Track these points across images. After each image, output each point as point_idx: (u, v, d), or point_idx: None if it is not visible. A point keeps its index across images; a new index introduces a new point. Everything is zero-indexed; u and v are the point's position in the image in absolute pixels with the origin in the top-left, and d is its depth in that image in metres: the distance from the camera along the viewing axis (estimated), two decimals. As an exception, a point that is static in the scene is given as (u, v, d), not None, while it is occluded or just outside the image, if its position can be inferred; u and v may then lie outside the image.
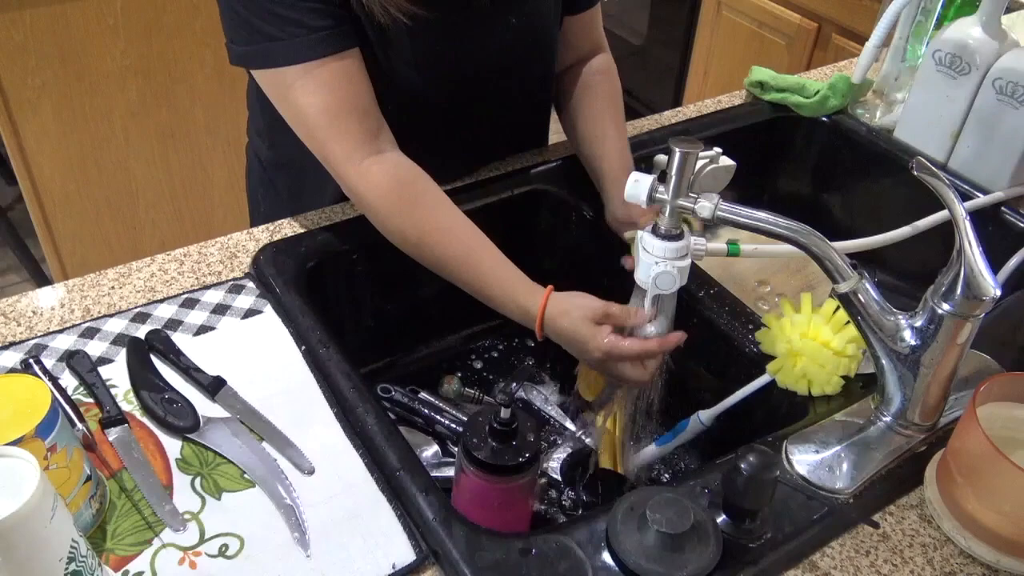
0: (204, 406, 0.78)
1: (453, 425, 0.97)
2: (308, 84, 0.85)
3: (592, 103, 1.06)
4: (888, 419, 0.77)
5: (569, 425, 1.03)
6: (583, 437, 1.01)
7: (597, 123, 1.04)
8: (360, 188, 0.88)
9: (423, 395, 1.01)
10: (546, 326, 0.84)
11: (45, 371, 0.80)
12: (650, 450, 0.94)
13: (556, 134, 1.14)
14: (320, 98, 0.85)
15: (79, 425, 0.74)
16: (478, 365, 1.11)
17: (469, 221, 0.89)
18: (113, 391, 0.79)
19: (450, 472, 0.92)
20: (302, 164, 0.97)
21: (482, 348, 1.12)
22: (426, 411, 0.98)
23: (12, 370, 0.80)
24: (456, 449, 0.84)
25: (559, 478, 0.96)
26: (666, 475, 0.99)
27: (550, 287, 0.86)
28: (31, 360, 0.80)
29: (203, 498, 0.71)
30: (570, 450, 0.99)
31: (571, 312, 0.83)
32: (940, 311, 0.69)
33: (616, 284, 0.94)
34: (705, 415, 0.88)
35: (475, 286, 0.87)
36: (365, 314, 1.05)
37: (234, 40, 0.87)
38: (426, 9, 0.87)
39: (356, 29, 0.87)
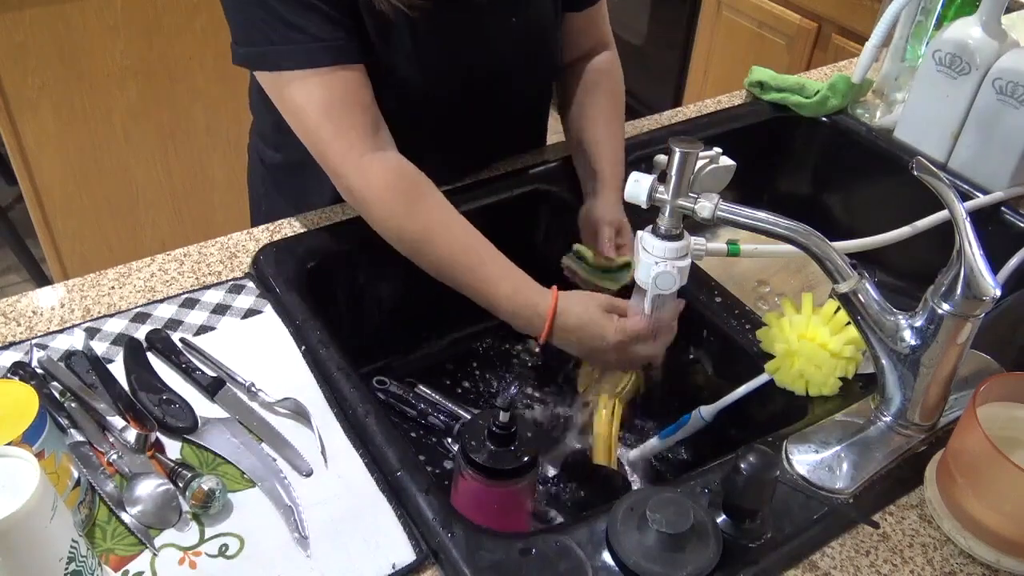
0: (203, 406, 0.78)
1: (445, 419, 0.97)
2: (308, 83, 0.85)
3: (593, 104, 1.05)
4: (888, 419, 0.77)
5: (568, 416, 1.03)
6: (581, 436, 1.01)
7: (596, 126, 1.04)
8: (359, 185, 0.88)
9: (419, 389, 1.00)
10: (557, 322, 0.84)
11: (35, 375, 0.79)
12: (652, 443, 0.94)
13: (557, 134, 1.14)
14: (319, 95, 0.85)
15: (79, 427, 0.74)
16: (477, 366, 1.11)
17: (469, 224, 0.88)
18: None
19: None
20: (307, 165, 0.97)
21: (481, 349, 1.12)
22: (421, 405, 0.98)
23: (7, 371, 0.80)
24: (455, 448, 0.84)
25: (557, 477, 0.96)
26: (662, 468, 0.99)
27: (555, 286, 0.85)
28: (23, 362, 0.80)
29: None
30: (568, 450, 0.99)
31: (585, 303, 0.85)
32: (940, 311, 0.69)
33: (616, 284, 0.94)
34: (706, 411, 0.88)
35: (477, 287, 0.86)
36: (365, 314, 1.05)
37: (238, 40, 0.88)
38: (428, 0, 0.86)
39: (361, 39, 0.87)
